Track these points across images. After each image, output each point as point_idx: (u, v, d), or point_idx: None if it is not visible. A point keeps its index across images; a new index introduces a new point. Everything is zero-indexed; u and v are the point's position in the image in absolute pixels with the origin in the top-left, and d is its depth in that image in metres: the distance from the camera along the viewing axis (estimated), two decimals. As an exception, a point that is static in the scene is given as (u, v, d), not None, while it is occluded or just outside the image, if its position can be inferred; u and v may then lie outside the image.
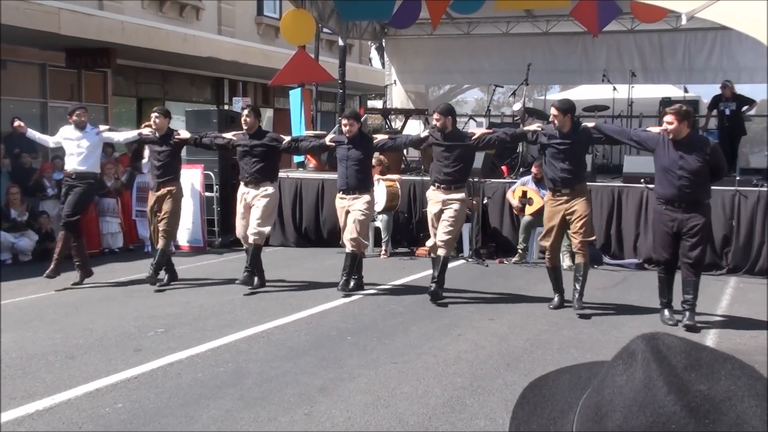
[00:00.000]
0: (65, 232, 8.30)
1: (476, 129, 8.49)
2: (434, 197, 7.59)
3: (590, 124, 7.38)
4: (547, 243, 7.25)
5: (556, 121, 6.96)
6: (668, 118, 6.34)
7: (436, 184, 7.57)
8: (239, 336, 6.15)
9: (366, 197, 7.89)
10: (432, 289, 7.43)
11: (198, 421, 4.27)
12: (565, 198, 7.02)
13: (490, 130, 8.14)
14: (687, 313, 6.55)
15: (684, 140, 6.35)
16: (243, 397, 4.66)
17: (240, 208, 8.17)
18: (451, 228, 7.44)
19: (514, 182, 10.62)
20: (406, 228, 11.30)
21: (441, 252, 7.48)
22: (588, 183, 7.60)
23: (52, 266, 8.22)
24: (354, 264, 7.87)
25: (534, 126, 7.58)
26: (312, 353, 5.67)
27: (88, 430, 4.15)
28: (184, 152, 9.45)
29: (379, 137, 8.65)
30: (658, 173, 6.62)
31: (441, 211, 7.47)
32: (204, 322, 6.68)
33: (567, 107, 7.03)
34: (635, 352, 0.68)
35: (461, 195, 7.50)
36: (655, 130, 6.73)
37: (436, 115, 7.58)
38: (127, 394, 4.73)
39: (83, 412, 4.40)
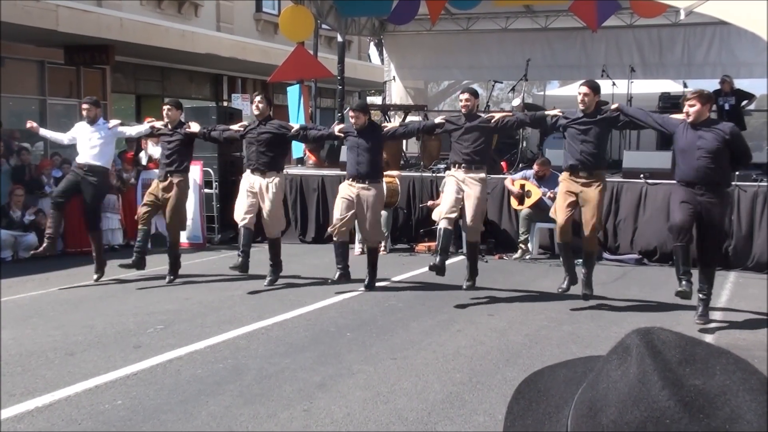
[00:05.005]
0: (94, 232, 8.52)
1: (495, 112, 8.46)
2: (453, 174, 7.48)
3: (613, 106, 7.29)
4: (558, 219, 7.03)
5: (586, 100, 6.89)
6: (690, 102, 6.35)
7: (456, 165, 7.46)
8: (238, 332, 6.15)
9: (379, 187, 7.89)
10: (438, 267, 7.30)
11: (197, 418, 4.27)
12: (582, 181, 6.93)
13: (510, 113, 8.09)
14: (701, 306, 6.54)
15: (703, 123, 6.36)
16: (242, 394, 4.66)
17: (244, 193, 8.03)
18: (474, 212, 7.31)
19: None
20: (406, 224, 11.29)
21: (470, 238, 7.55)
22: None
23: (95, 266, 8.47)
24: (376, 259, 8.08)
25: (555, 111, 7.50)
26: (311, 349, 5.67)
27: (87, 428, 4.15)
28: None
29: (390, 125, 8.63)
30: (677, 157, 6.63)
31: (459, 187, 7.35)
32: (203, 318, 6.68)
33: (598, 87, 7.07)
34: (630, 346, 0.68)
35: (481, 175, 7.37)
36: (678, 117, 6.69)
37: (466, 95, 7.52)
38: (127, 390, 4.73)
39: (82, 409, 4.40)
